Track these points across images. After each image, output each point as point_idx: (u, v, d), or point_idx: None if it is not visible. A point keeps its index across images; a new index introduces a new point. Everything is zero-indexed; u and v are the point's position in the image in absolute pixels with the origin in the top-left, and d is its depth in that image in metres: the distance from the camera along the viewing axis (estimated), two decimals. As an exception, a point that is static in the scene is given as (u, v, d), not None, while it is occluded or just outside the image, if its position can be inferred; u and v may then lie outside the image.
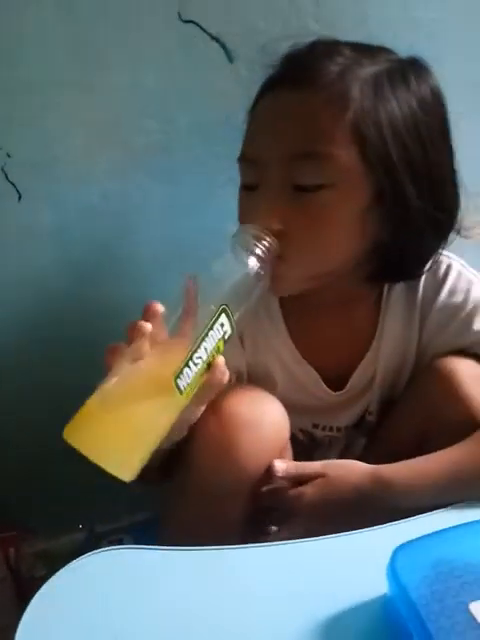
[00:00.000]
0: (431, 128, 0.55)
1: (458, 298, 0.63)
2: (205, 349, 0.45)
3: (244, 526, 0.58)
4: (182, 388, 0.44)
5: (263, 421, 0.56)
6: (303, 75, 0.54)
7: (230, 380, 0.64)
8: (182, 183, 0.74)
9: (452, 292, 0.64)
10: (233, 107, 0.71)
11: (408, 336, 0.66)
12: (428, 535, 0.45)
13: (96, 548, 0.49)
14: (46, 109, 0.67)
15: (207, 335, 0.45)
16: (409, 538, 0.44)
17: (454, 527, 0.45)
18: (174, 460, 0.61)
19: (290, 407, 0.60)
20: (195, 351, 0.45)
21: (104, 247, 0.75)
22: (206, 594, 0.46)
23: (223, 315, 0.46)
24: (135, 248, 0.76)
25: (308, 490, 0.56)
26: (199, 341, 0.45)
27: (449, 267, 0.64)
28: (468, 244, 0.63)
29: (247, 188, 0.57)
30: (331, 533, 0.50)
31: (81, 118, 0.68)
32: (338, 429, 0.70)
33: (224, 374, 0.47)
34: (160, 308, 0.46)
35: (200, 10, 0.67)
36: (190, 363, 0.44)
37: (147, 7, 0.66)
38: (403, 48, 0.59)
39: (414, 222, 0.55)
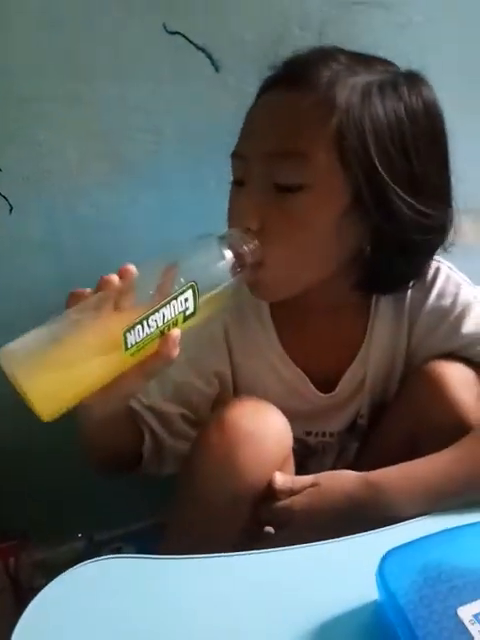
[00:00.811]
0: (418, 139, 0.55)
1: (447, 301, 0.64)
2: (163, 315, 0.45)
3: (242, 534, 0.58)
4: (129, 344, 0.44)
5: (266, 434, 0.56)
6: (296, 77, 0.55)
7: (213, 385, 0.65)
8: (173, 192, 0.75)
9: (440, 295, 0.64)
10: (220, 115, 0.72)
11: (397, 340, 0.66)
12: (416, 540, 0.45)
13: (96, 557, 0.49)
14: (36, 122, 0.67)
15: (169, 303, 0.45)
16: (397, 544, 0.44)
17: (442, 532, 0.46)
18: (133, 449, 0.62)
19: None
20: (153, 313, 0.45)
21: (96, 258, 0.75)
22: (202, 601, 0.46)
23: (190, 291, 0.47)
24: (127, 257, 0.76)
25: (298, 500, 0.56)
26: (159, 306, 0.45)
27: (437, 270, 0.64)
28: (455, 248, 0.63)
29: (236, 183, 0.58)
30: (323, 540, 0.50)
31: (71, 131, 0.69)
32: (331, 435, 0.70)
33: (175, 348, 0.46)
34: (134, 270, 0.47)
35: (185, 21, 0.68)
36: (144, 322, 0.44)
37: (133, 20, 0.67)
38: (392, 56, 0.60)
39: (400, 232, 0.55)
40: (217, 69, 0.70)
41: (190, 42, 0.68)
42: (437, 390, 0.60)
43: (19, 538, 0.83)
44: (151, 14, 0.66)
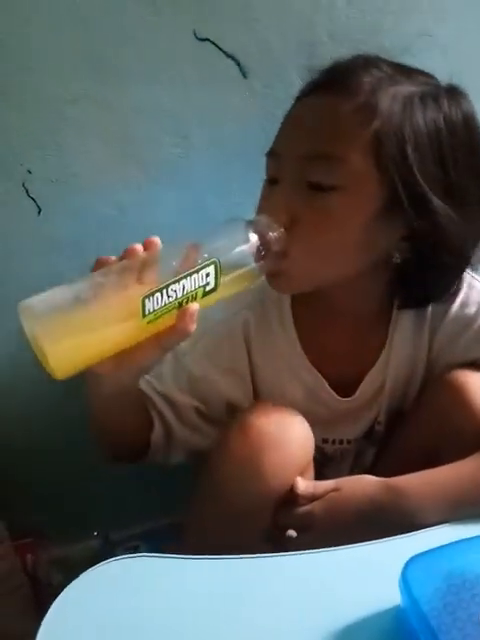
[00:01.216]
0: (457, 150, 0.55)
1: (470, 310, 0.64)
2: (183, 287, 0.45)
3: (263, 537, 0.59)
4: (147, 311, 0.44)
5: (291, 439, 0.57)
6: (338, 82, 0.56)
7: (228, 381, 0.65)
8: (198, 195, 0.75)
9: (464, 304, 0.64)
10: (247, 122, 0.73)
11: (418, 347, 0.66)
12: (440, 547, 0.45)
13: (111, 555, 0.49)
14: (64, 126, 0.68)
15: (190, 276, 0.46)
16: (421, 550, 0.44)
17: (466, 539, 0.46)
18: (142, 436, 0.62)
19: None
20: (173, 283, 0.45)
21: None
22: (221, 603, 0.46)
23: (212, 267, 0.47)
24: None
25: (319, 505, 0.56)
26: (180, 277, 0.45)
27: (461, 279, 0.64)
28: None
29: (269, 181, 0.59)
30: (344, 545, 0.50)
31: (98, 134, 0.70)
32: (348, 442, 0.70)
33: (192, 322, 0.46)
34: (159, 243, 0.47)
35: (215, 28, 0.68)
36: (163, 291, 0.44)
37: (163, 25, 0.67)
38: (417, 64, 0.60)
39: (434, 241, 0.55)
40: (245, 75, 0.71)
41: (219, 48, 0.69)
42: (459, 398, 0.60)
43: (36, 536, 0.84)
44: (181, 20, 0.67)
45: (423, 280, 0.59)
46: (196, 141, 0.72)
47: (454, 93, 0.57)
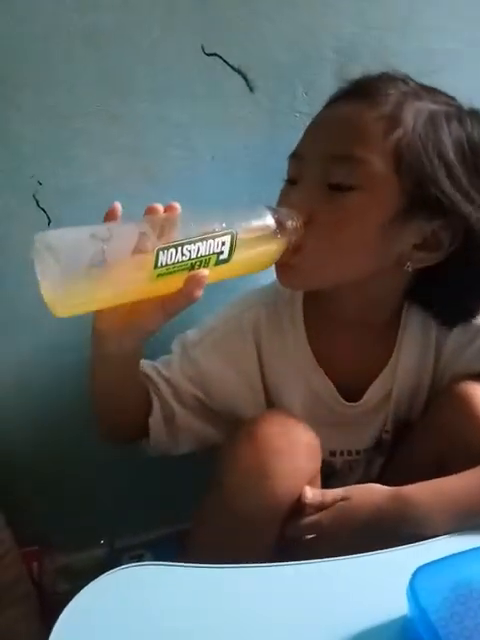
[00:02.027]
0: (478, 169, 0.56)
1: (477, 322, 0.64)
2: (198, 249, 0.46)
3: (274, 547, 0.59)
4: (160, 263, 0.44)
5: (298, 450, 0.57)
6: (365, 92, 0.58)
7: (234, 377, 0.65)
8: (206, 208, 0.76)
9: None
10: (254, 135, 0.74)
11: (425, 356, 0.67)
12: (448, 557, 0.45)
13: (117, 563, 0.50)
14: (74, 138, 0.69)
15: (206, 240, 0.46)
16: (429, 559, 0.45)
17: (474, 549, 0.46)
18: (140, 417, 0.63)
19: None
20: (188, 243, 0.45)
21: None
22: (228, 612, 0.46)
23: (229, 237, 0.47)
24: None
25: (327, 514, 0.57)
26: (196, 239, 0.46)
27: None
28: None
29: (289, 182, 0.60)
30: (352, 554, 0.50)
31: (108, 147, 0.71)
32: (357, 452, 0.70)
33: (199, 288, 0.47)
34: (179, 208, 0.48)
35: (223, 44, 0.69)
36: (178, 247, 0.45)
37: (172, 41, 0.68)
38: (421, 79, 0.61)
39: (455, 252, 0.57)
40: (252, 90, 0.72)
41: (226, 63, 0.70)
42: (466, 409, 0.61)
43: (42, 544, 0.84)
44: (189, 35, 0.68)
45: (442, 293, 0.60)
46: (203, 153, 0.73)
47: (476, 115, 0.58)
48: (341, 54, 0.73)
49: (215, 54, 0.70)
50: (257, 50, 0.71)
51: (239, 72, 0.71)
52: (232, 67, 0.71)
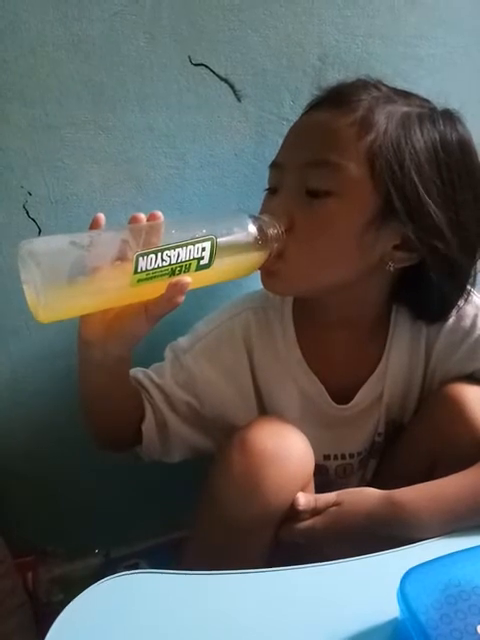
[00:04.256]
0: (452, 169, 0.57)
1: (466, 323, 0.65)
2: (177, 254, 0.46)
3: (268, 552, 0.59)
4: (139, 268, 0.45)
5: (290, 456, 0.57)
6: (338, 99, 0.59)
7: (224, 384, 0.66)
8: (190, 216, 0.76)
9: (460, 317, 0.65)
10: (241, 143, 0.75)
11: (415, 359, 0.67)
12: (437, 559, 0.46)
13: (112, 573, 0.49)
14: (63, 148, 0.70)
15: (186, 246, 0.47)
16: (419, 562, 0.45)
17: (463, 551, 0.46)
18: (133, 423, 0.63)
19: None
20: (167, 249, 0.46)
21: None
22: (223, 618, 0.46)
23: (209, 243, 0.48)
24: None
25: (320, 520, 0.57)
26: (176, 245, 0.46)
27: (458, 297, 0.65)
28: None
29: (270, 191, 0.62)
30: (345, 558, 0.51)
31: (97, 157, 0.71)
32: (351, 456, 0.70)
33: (181, 294, 0.47)
34: (161, 216, 0.49)
35: (209, 53, 0.70)
36: (158, 253, 0.45)
37: (159, 51, 0.69)
38: (406, 85, 0.62)
39: (433, 251, 0.57)
40: (239, 99, 0.73)
41: (214, 73, 0.71)
42: (457, 411, 0.61)
43: (36, 553, 0.83)
44: (177, 47, 0.69)
45: (423, 293, 0.61)
46: (192, 162, 0.74)
47: (450, 116, 0.59)
48: (326, 62, 0.74)
49: (202, 64, 0.70)
50: (244, 60, 0.72)
51: (226, 81, 0.72)
52: (219, 77, 0.72)
